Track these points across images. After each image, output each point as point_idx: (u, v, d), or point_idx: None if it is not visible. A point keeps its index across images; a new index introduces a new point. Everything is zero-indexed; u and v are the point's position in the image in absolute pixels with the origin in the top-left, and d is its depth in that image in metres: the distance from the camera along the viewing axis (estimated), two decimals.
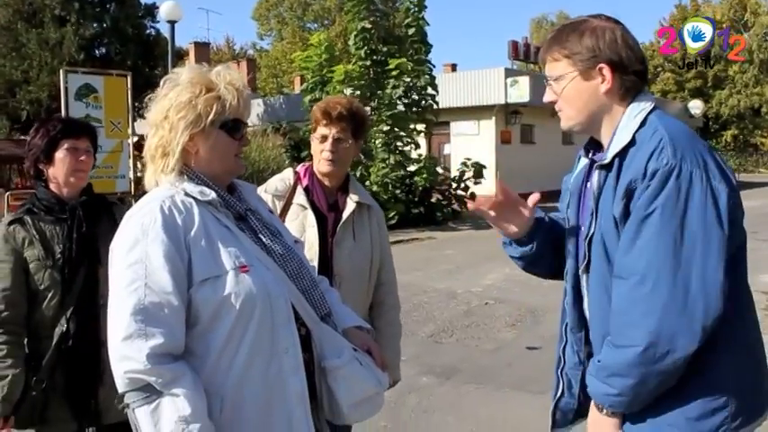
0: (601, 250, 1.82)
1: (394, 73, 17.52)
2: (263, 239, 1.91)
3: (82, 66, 18.63)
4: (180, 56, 33.93)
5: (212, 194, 1.83)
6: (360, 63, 17.95)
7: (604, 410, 1.80)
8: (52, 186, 2.64)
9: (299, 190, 2.74)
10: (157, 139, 1.84)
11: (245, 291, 1.74)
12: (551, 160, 19.83)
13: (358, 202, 2.78)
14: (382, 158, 17.41)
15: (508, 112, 22.97)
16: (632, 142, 1.77)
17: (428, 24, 18.57)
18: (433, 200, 18.37)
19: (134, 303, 1.66)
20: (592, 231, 1.84)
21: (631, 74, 1.82)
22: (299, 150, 19.25)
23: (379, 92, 17.65)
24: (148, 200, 1.81)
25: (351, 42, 18.51)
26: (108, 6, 22.04)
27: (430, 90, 18.28)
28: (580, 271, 1.92)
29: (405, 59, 17.55)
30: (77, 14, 20.99)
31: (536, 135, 24.51)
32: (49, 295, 2.51)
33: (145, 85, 22.51)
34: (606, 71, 1.80)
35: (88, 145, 2.69)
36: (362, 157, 17.85)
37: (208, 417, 1.68)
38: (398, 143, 17.91)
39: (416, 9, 18.34)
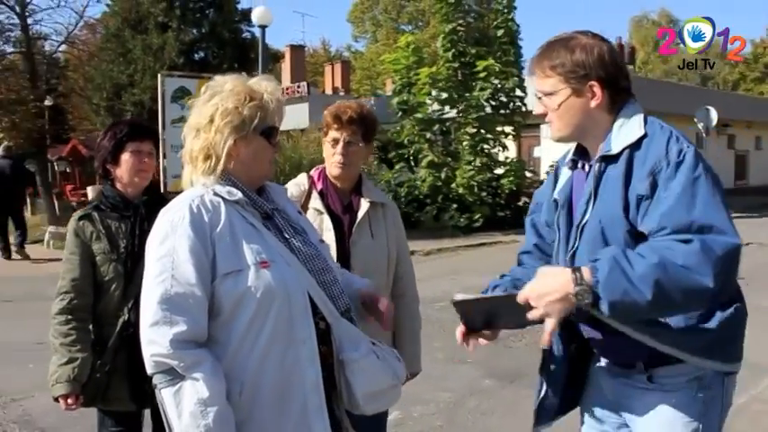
0: (597, 234, 1.91)
1: (482, 75, 17.46)
2: (288, 237, 2.03)
3: (181, 69, 19.48)
4: (276, 59, 34.90)
5: (239, 194, 1.96)
6: (447, 65, 17.99)
7: (582, 300, 1.74)
8: (118, 185, 2.85)
9: (315, 194, 2.84)
10: (201, 142, 1.97)
11: (265, 285, 1.87)
12: None
13: (372, 202, 2.86)
14: (468, 161, 17.39)
15: None
16: (645, 135, 1.91)
17: (517, 26, 18.39)
18: (521, 203, 18.14)
19: (161, 293, 1.82)
20: (586, 218, 1.95)
21: (619, 88, 1.96)
22: (385, 152, 19.43)
23: (466, 94, 17.63)
24: (180, 199, 1.95)
25: (438, 44, 18.56)
26: (207, 12, 22.91)
27: (518, 92, 18.11)
28: (567, 260, 2.01)
29: (492, 61, 17.45)
30: (178, 20, 21.96)
31: None
32: (113, 286, 2.74)
33: None
34: (596, 88, 1.93)
35: (151, 148, 2.90)
36: (449, 158, 17.92)
37: (226, 400, 1.82)
38: (485, 145, 17.82)
39: (506, 10, 18.20)
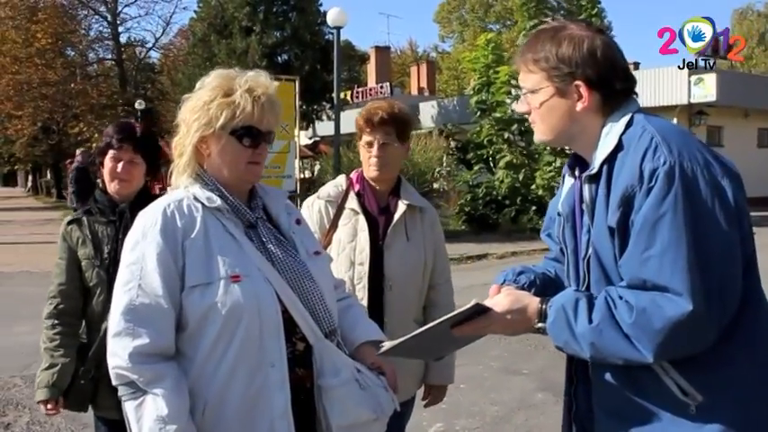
0: (597, 269, 1.65)
1: None
2: (271, 249, 1.90)
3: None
4: (362, 60, 35.19)
5: (218, 201, 1.86)
6: None
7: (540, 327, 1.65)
8: (109, 189, 2.76)
9: (351, 195, 2.78)
10: (177, 138, 1.92)
11: (233, 300, 1.76)
12: (744, 166, 17.97)
13: (409, 205, 2.77)
14: (548, 161, 16.91)
15: (692, 113, 21.40)
16: (619, 146, 1.60)
17: (600, 21, 17.75)
18: None
19: (126, 303, 1.76)
20: (590, 252, 1.66)
21: (613, 91, 1.65)
22: (464, 152, 19.16)
23: None
24: (158, 202, 1.88)
25: (519, 42, 18.14)
26: (290, 15, 23.24)
27: None
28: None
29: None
30: (261, 24, 22.38)
31: (725, 137, 22.66)
32: (98, 292, 2.67)
33: (322, 89, 23.68)
34: (583, 89, 1.64)
35: (132, 155, 2.75)
36: (528, 159, 17.47)
37: (189, 418, 1.74)
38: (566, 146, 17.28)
39: (589, 6, 17.62)
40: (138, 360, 1.73)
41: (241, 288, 1.78)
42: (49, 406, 2.64)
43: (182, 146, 1.90)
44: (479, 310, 1.64)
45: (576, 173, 1.76)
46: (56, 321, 2.67)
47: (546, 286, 1.93)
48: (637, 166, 1.52)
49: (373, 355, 1.97)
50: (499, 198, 17.29)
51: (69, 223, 2.74)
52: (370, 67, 37.64)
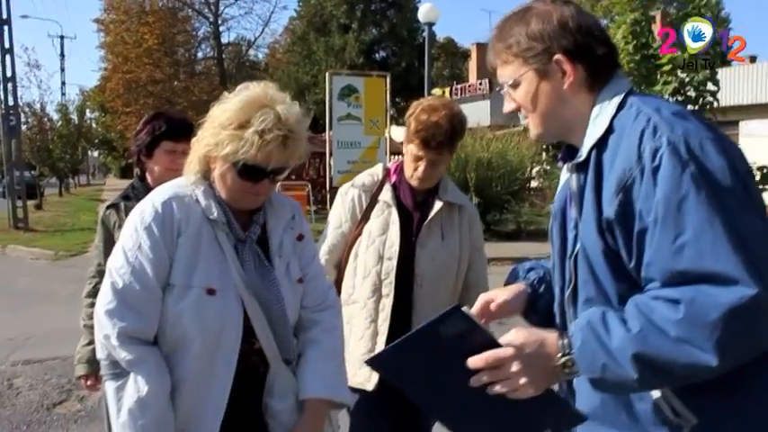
0: (585, 267, 1.47)
1: (666, 68, 16.14)
2: (251, 270, 1.91)
3: (361, 69, 20.08)
4: (464, 57, 35.00)
5: (215, 214, 1.88)
6: (628, 58, 16.83)
7: (570, 372, 1.39)
8: (149, 178, 2.85)
9: (387, 187, 2.68)
10: (194, 139, 1.96)
11: (202, 313, 1.82)
12: None
13: (447, 202, 2.65)
14: None
15: None
16: (610, 129, 1.45)
17: (710, 12, 16.81)
18: None
19: (120, 285, 1.81)
20: (578, 248, 1.49)
21: (595, 59, 1.50)
22: (557, 149, 18.66)
23: (648, 89, 16.41)
24: (162, 191, 1.92)
25: (618, 36, 17.44)
26: (387, 13, 23.37)
27: (710, 86, 16.52)
28: (566, 301, 1.57)
29: (679, 53, 16.08)
30: (359, 21, 22.63)
31: None
32: None
33: (419, 86, 23.66)
34: (565, 63, 1.50)
35: (186, 147, 2.83)
36: None
37: (168, 402, 1.80)
38: None
39: None
40: (124, 340, 1.78)
41: (213, 303, 1.82)
42: (89, 382, 2.77)
43: (197, 145, 1.92)
44: (463, 315, 1.39)
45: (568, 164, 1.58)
46: (94, 300, 2.76)
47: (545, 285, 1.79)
48: (634, 149, 1.36)
49: (304, 425, 1.95)
50: None
51: (108, 208, 2.84)
52: (472, 64, 37.35)
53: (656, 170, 1.32)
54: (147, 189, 2.78)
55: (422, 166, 2.56)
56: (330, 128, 14.21)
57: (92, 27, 63.19)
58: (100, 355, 1.84)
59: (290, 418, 1.94)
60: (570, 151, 1.59)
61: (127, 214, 2.75)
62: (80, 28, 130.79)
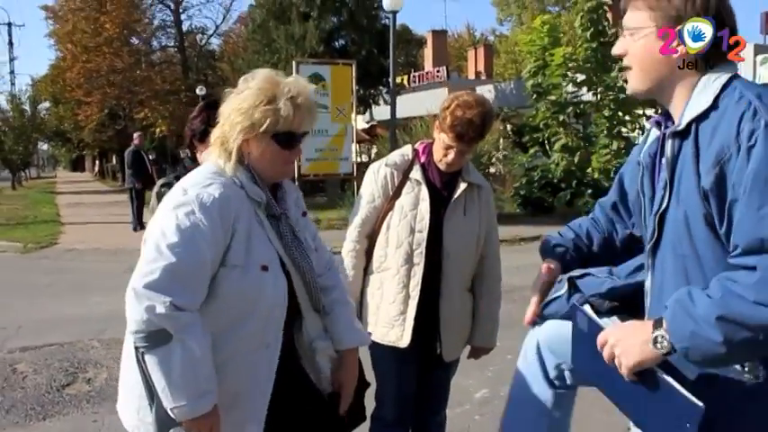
0: (682, 229, 1.63)
1: None
2: (288, 242, 2.13)
3: (321, 57, 20.13)
4: (419, 44, 35.15)
5: (262, 197, 2.06)
6: (585, 45, 17.33)
7: (661, 347, 1.54)
8: (200, 159, 3.03)
9: (417, 166, 2.95)
10: (219, 132, 2.07)
11: (260, 288, 1.99)
12: None
13: (470, 183, 2.95)
14: (604, 144, 16.74)
15: None
16: (714, 106, 1.58)
17: None
18: None
19: (174, 263, 1.86)
20: (664, 206, 1.68)
21: (714, 42, 1.61)
22: (520, 135, 19.14)
23: (604, 75, 16.93)
24: (211, 178, 2.02)
25: (576, 23, 17.93)
26: (347, 1, 23.38)
27: None
28: (647, 249, 1.79)
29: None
30: (319, 9, 22.60)
31: None
32: None
33: (379, 74, 23.77)
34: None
35: None
36: (584, 142, 17.32)
37: (211, 362, 1.92)
38: (623, 129, 17.06)
39: None
40: (173, 310, 1.82)
41: (267, 278, 2.00)
42: None
43: (224, 141, 2.04)
44: (583, 313, 1.77)
45: (662, 128, 1.74)
46: None
47: (574, 260, 2.10)
48: (734, 128, 1.50)
49: (341, 373, 2.27)
50: (555, 181, 17.19)
51: (162, 186, 3.01)
52: (428, 52, 37.50)
53: (750, 148, 1.46)
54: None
55: (452, 154, 2.82)
56: None
57: (41, 14, 61.35)
58: (136, 327, 1.84)
59: (331, 354, 2.24)
60: (665, 116, 1.74)
61: None
62: (30, 16, 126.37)
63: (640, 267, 1.95)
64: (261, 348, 2.03)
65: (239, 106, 2.01)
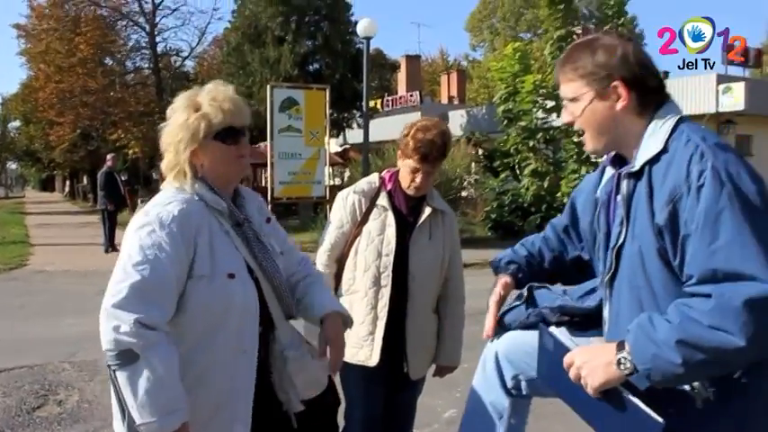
0: (637, 262, 1.79)
1: None
2: (253, 247, 2.19)
3: (296, 81, 20.29)
4: (393, 68, 35.49)
5: (223, 205, 2.14)
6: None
7: (624, 368, 1.67)
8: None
9: (383, 193, 3.08)
10: (166, 161, 2.17)
11: (228, 296, 2.05)
12: None
13: (434, 208, 3.09)
14: (573, 169, 17.03)
15: (720, 122, 21.31)
16: (664, 149, 1.75)
17: (632, 29, 17.86)
18: None
19: (138, 281, 1.92)
20: (621, 241, 1.83)
21: (647, 89, 1.83)
22: (491, 160, 19.39)
23: None
24: (170, 197, 2.11)
25: (546, 51, 18.32)
26: (321, 25, 23.65)
27: None
28: (604, 280, 1.93)
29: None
30: (294, 34, 22.83)
31: (754, 146, 22.45)
32: None
33: (353, 98, 24.01)
34: (621, 89, 1.81)
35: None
36: (553, 168, 17.63)
37: (179, 382, 1.94)
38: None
39: (615, 15, 17.73)
40: (139, 327, 1.86)
41: (235, 286, 2.06)
42: None
43: (176, 166, 2.14)
44: (549, 334, 1.93)
45: (617, 168, 1.91)
46: None
47: (531, 275, 2.26)
48: (684, 169, 1.66)
49: (330, 328, 2.28)
50: (525, 205, 17.45)
51: None
52: (401, 76, 37.87)
53: (700, 188, 1.62)
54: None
55: (419, 177, 2.97)
56: (271, 139, 14.46)
57: (11, 33, 60.76)
58: (107, 346, 1.88)
59: (305, 363, 2.24)
60: (617, 155, 1.92)
61: None
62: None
63: (591, 291, 2.12)
64: (238, 354, 2.08)
65: (173, 129, 2.13)
